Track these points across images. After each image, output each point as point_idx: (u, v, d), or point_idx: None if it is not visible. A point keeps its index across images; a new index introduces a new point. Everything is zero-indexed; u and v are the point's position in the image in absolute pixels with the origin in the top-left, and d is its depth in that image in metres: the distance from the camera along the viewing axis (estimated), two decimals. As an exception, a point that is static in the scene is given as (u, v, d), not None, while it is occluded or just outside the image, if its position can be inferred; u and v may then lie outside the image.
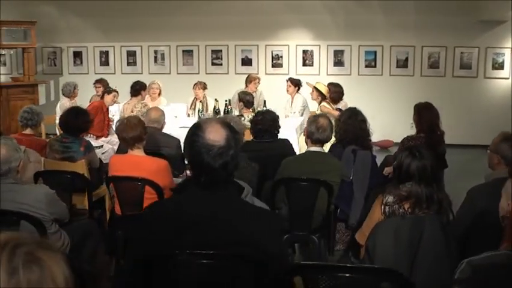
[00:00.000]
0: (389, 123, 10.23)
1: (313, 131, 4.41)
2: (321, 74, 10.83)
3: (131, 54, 11.57)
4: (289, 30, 10.90)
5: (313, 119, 4.51)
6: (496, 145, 3.66)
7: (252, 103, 7.32)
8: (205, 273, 2.12)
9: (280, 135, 5.42)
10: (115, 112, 8.48)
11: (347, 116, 5.20)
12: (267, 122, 5.16)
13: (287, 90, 8.87)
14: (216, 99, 8.59)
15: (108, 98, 7.74)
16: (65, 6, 11.24)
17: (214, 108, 8.35)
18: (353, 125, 5.09)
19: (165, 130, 7.86)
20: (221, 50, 11.26)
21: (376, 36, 10.53)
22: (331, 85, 8.13)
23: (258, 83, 9.13)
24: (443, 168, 5.31)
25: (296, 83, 8.83)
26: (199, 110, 8.51)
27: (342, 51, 10.78)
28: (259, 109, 7.74)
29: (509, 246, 2.00)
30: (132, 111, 7.58)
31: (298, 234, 4.46)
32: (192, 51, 11.37)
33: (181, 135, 7.69)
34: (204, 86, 9.02)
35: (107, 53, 11.61)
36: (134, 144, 4.38)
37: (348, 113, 5.24)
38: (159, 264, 2.15)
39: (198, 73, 11.29)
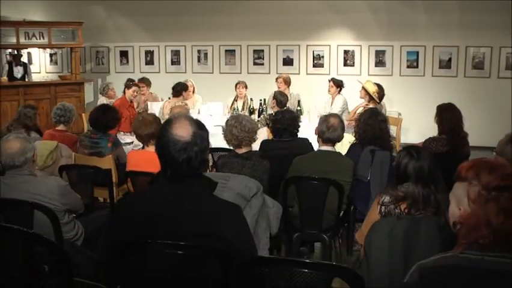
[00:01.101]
0: (429, 125, 10.01)
1: (324, 130, 4.42)
2: (362, 75, 10.74)
3: (175, 54, 11.83)
4: (331, 30, 10.86)
5: (325, 118, 4.53)
6: (501, 147, 3.59)
7: (285, 103, 7.36)
8: (169, 263, 2.20)
9: (312, 135, 5.40)
10: (155, 110, 8.71)
11: (367, 116, 5.16)
12: (286, 121, 5.19)
13: (329, 91, 8.88)
14: (251, 99, 8.70)
15: (128, 92, 7.99)
16: (113, 6, 11.62)
17: (249, 107, 8.45)
18: (372, 125, 5.05)
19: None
20: (263, 50, 11.34)
21: (418, 36, 10.35)
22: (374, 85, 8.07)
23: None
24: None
25: (339, 84, 8.84)
26: (234, 109, 8.62)
27: (383, 52, 10.66)
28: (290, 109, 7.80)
29: (465, 248, 1.97)
30: (171, 109, 7.80)
31: (308, 233, 4.49)
32: (234, 50, 11.51)
33: (213, 133, 7.90)
34: (246, 85, 9.13)
35: (152, 52, 11.92)
36: (150, 141, 4.52)
37: (369, 113, 5.20)
38: (127, 252, 2.26)
39: (240, 73, 11.42)
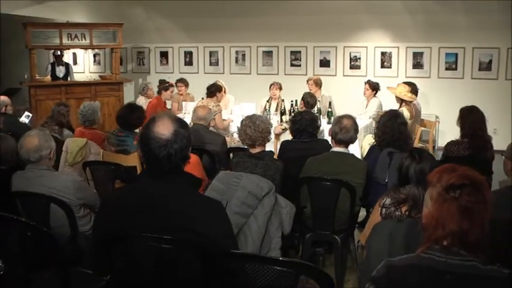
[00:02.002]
0: (468, 128, 9.84)
1: (337, 131, 4.43)
2: (400, 77, 10.61)
3: (213, 55, 12.00)
4: (368, 31, 10.79)
5: (338, 119, 4.53)
6: (510, 150, 3.52)
7: (312, 104, 7.38)
8: (148, 256, 2.28)
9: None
10: (189, 110, 8.88)
11: (386, 119, 5.14)
12: (305, 121, 5.22)
13: (364, 93, 8.86)
14: (282, 100, 8.75)
15: (166, 94, 8.16)
16: (153, 8, 11.86)
17: (281, 108, 8.50)
18: (391, 128, 5.03)
19: (232, 128, 8.26)
20: (300, 51, 11.37)
21: (458, 38, 10.15)
22: (406, 84, 7.97)
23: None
24: (487, 175, 5.07)
25: (374, 87, 8.81)
26: (266, 110, 8.70)
27: (421, 53, 10.51)
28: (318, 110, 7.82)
29: (424, 249, 1.99)
30: (194, 110, 7.94)
31: (321, 234, 4.50)
32: (271, 52, 11.58)
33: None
34: (280, 87, 9.18)
35: (191, 53, 12.13)
36: (168, 140, 4.62)
37: (388, 115, 5.18)
38: (108, 244, 2.36)
39: (277, 74, 11.48)
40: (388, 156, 4.97)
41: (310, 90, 9.01)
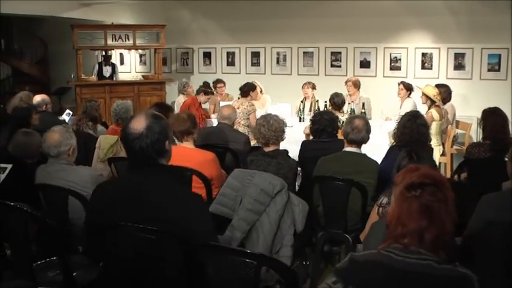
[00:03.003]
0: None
1: (349, 131, 4.46)
2: (440, 78, 10.45)
3: (255, 55, 12.14)
4: (409, 32, 10.67)
5: (350, 119, 4.57)
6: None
7: (338, 104, 7.40)
8: (129, 245, 2.43)
9: (374, 139, 5.37)
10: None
11: (406, 119, 5.12)
12: (324, 121, 5.27)
13: (398, 94, 8.79)
14: (317, 100, 8.79)
15: (204, 97, 8.35)
16: (197, 9, 12.12)
17: (314, 108, 8.55)
18: (410, 128, 5.01)
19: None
20: (340, 52, 11.35)
21: (501, 39, 9.87)
22: (439, 87, 7.85)
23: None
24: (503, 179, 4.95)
25: (408, 87, 8.74)
26: (299, 110, 8.76)
27: (463, 54, 10.31)
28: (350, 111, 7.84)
29: (385, 247, 2.04)
30: (238, 108, 8.09)
31: (333, 233, 4.54)
32: (312, 53, 11.61)
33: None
34: (313, 86, 9.21)
35: (233, 53, 12.32)
36: (184, 137, 4.78)
37: (408, 116, 5.16)
38: (98, 232, 2.52)
39: (318, 74, 11.51)
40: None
41: (348, 91, 9.01)
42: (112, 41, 10.68)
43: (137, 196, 2.45)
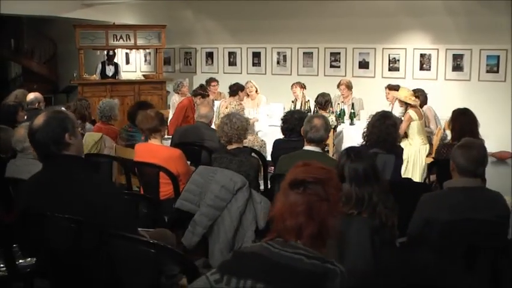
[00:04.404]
0: (508, 133, 9.51)
1: (308, 130, 4.51)
2: (439, 79, 10.44)
3: (256, 56, 12.22)
4: (407, 33, 10.64)
5: (309, 118, 4.61)
6: (453, 151, 3.52)
7: (322, 104, 7.46)
8: (45, 232, 2.57)
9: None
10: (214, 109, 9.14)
11: (375, 119, 5.17)
12: (294, 121, 5.34)
13: (387, 98, 8.76)
14: (307, 100, 8.83)
15: (200, 100, 8.47)
16: (201, 10, 12.25)
17: (304, 108, 8.60)
18: (379, 128, 5.04)
19: (257, 127, 8.46)
20: (339, 53, 11.38)
21: (500, 40, 9.77)
22: (415, 91, 7.82)
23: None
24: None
25: (394, 89, 8.70)
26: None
27: (461, 56, 10.23)
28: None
29: (268, 239, 2.08)
30: (227, 108, 8.19)
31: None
32: (311, 53, 11.65)
33: (268, 133, 8.14)
34: (302, 86, 9.24)
35: (235, 53, 12.42)
36: (151, 134, 4.92)
37: (378, 115, 5.20)
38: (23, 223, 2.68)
39: (317, 75, 11.55)
40: (372, 157, 5.01)
41: (342, 94, 9.03)
42: (114, 40, 10.87)
43: (47, 186, 2.62)
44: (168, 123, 8.83)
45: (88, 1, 11.17)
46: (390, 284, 2.74)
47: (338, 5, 10.82)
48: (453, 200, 3.39)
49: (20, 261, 3.06)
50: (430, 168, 5.30)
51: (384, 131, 5.04)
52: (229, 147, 4.73)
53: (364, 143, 5.25)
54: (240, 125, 4.68)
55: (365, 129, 5.26)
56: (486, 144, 10.08)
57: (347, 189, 3.35)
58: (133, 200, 4.18)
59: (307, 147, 4.58)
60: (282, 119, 5.53)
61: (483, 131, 9.91)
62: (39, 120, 2.73)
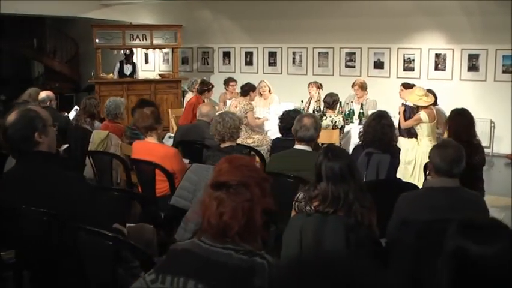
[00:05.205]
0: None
1: (297, 129, 4.54)
2: (454, 79, 10.34)
3: (272, 55, 12.27)
4: (423, 32, 10.56)
5: (300, 117, 4.64)
6: (430, 151, 3.51)
7: (330, 103, 7.46)
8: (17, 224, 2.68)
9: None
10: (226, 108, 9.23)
11: (371, 118, 5.18)
12: (290, 120, 5.36)
13: (400, 95, 8.72)
14: (317, 99, 8.84)
15: (208, 94, 8.56)
16: (219, 10, 12.36)
17: (317, 107, 8.62)
18: (374, 128, 5.05)
19: (266, 127, 8.50)
20: (354, 53, 11.35)
21: (516, 40, 9.66)
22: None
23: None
24: (473, 181, 4.90)
25: (409, 88, 8.65)
26: (303, 110, 8.83)
27: (477, 56, 10.11)
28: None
29: (199, 236, 2.10)
30: (236, 107, 8.28)
31: (283, 227, 4.64)
32: (327, 53, 11.65)
33: (277, 132, 8.17)
34: (318, 86, 9.25)
35: (251, 53, 12.49)
36: (147, 132, 5.01)
37: (374, 115, 5.21)
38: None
39: (332, 75, 11.55)
40: (366, 156, 5.02)
41: (356, 94, 8.99)
42: (130, 40, 11.03)
43: (19, 181, 2.72)
44: (179, 121, 9.00)
45: (106, 1, 11.36)
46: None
47: (353, 5, 10.80)
48: (430, 200, 3.39)
49: (2, 253, 3.19)
50: (425, 168, 5.27)
51: (380, 131, 5.04)
52: (222, 145, 4.80)
53: (360, 142, 5.28)
54: (232, 124, 4.74)
55: (361, 129, 5.27)
56: (500, 146, 10.05)
57: (323, 187, 3.40)
58: (125, 197, 4.30)
59: (297, 146, 4.62)
60: (279, 118, 5.57)
61: (499, 132, 9.88)
62: (11, 117, 2.83)
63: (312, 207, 3.42)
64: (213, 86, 9.20)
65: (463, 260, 1.77)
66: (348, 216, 3.32)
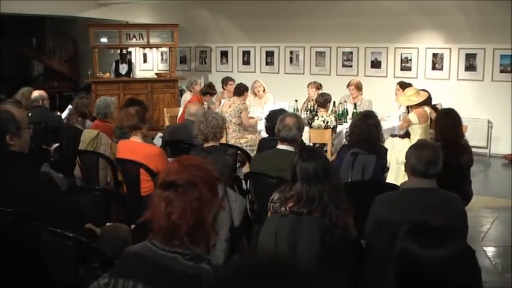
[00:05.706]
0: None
1: (280, 129, 4.51)
2: (451, 79, 10.28)
3: (269, 55, 12.24)
4: (420, 32, 10.51)
5: (282, 117, 4.61)
6: (407, 151, 3.47)
7: (322, 103, 7.42)
8: None
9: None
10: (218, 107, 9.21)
11: (357, 118, 5.15)
12: (276, 120, 5.33)
13: (395, 93, 8.67)
14: (312, 99, 8.80)
15: (209, 98, 8.56)
16: (216, 9, 12.34)
17: (310, 107, 8.58)
18: (360, 128, 5.01)
19: (259, 126, 8.47)
20: (352, 52, 11.30)
21: (514, 39, 9.59)
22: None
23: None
24: (459, 182, 4.86)
25: (406, 87, 8.59)
26: (294, 109, 8.80)
27: (474, 55, 10.05)
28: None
29: (150, 238, 2.03)
30: (230, 107, 8.27)
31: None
32: (324, 52, 11.60)
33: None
34: (317, 87, 9.21)
35: (248, 52, 12.47)
36: (132, 132, 4.99)
37: (360, 115, 5.18)
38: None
39: (329, 74, 11.51)
40: (352, 157, 4.99)
41: (351, 94, 8.94)
42: (127, 39, 11.03)
43: None
44: (177, 120, 8.98)
45: (104, 1, 11.35)
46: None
47: (350, 5, 10.76)
48: (405, 201, 3.35)
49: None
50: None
51: (366, 131, 5.00)
52: (205, 145, 4.78)
53: (346, 142, 5.25)
54: (215, 124, 4.72)
55: (347, 129, 5.24)
56: (498, 147, 9.93)
57: (298, 188, 3.36)
58: (105, 197, 4.28)
59: (280, 146, 4.59)
60: (265, 118, 5.54)
61: (496, 132, 9.81)
62: None
63: (287, 208, 3.37)
64: (216, 92, 9.21)
65: (409, 262, 1.75)
66: (323, 218, 3.29)
